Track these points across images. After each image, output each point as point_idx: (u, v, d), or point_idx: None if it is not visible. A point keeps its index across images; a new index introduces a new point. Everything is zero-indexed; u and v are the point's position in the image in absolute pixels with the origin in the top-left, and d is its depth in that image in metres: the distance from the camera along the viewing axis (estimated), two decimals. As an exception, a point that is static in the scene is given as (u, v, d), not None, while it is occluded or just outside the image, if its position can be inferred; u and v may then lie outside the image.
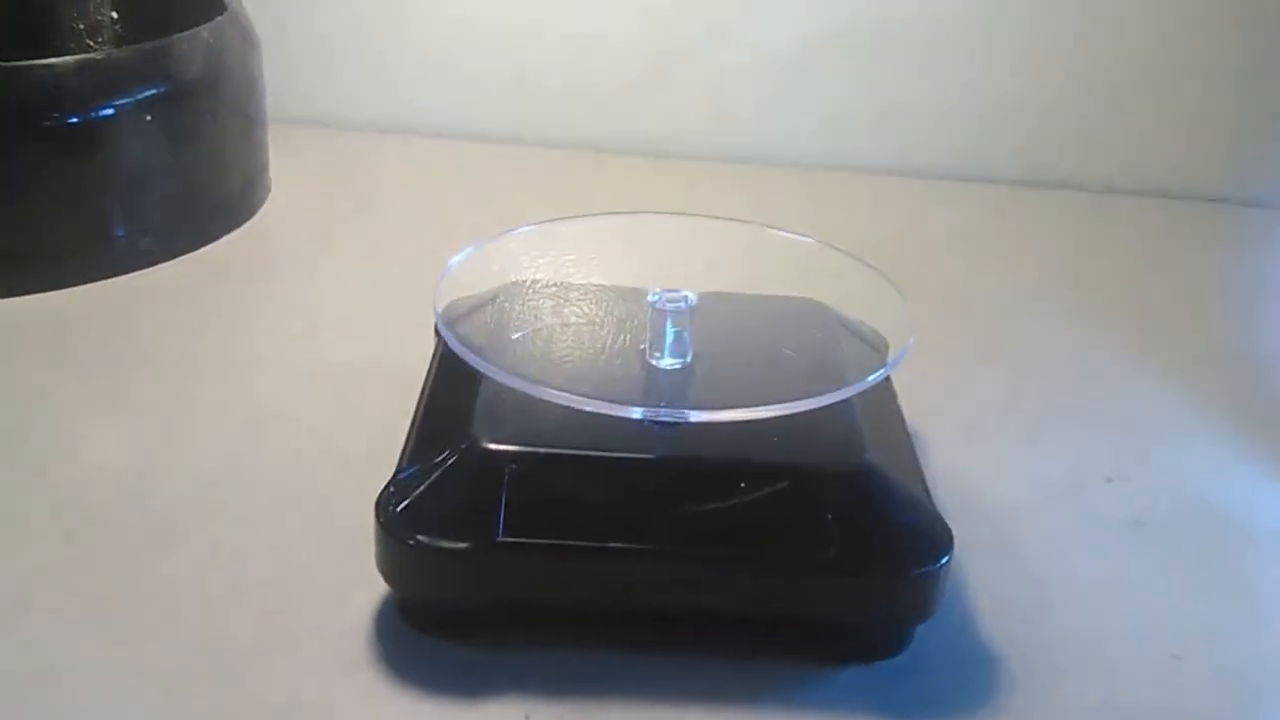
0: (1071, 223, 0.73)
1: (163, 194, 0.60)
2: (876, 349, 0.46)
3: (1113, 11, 0.73)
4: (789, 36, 0.74)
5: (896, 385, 0.45)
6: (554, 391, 0.38)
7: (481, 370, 0.40)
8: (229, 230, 0.63)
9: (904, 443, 0.42)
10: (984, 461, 0.49)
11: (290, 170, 0.69)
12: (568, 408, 0.39)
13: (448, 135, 0.76)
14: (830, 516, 0.38)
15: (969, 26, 0.73)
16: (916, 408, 0.45)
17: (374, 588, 0.40)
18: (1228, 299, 0.66)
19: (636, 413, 0.39)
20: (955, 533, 0.38)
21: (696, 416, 0.39)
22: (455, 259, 0.44)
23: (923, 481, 0.41)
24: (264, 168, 0.67)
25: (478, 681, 0.37)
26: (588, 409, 0.38)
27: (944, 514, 0.39)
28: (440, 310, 0.42)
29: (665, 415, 0.39)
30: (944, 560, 0.38)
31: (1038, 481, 0.49)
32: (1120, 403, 0.55)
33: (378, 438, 0.47)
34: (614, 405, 0.38)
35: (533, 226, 0.46)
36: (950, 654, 0.40)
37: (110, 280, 0.58)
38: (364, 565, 0.39)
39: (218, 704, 0.36)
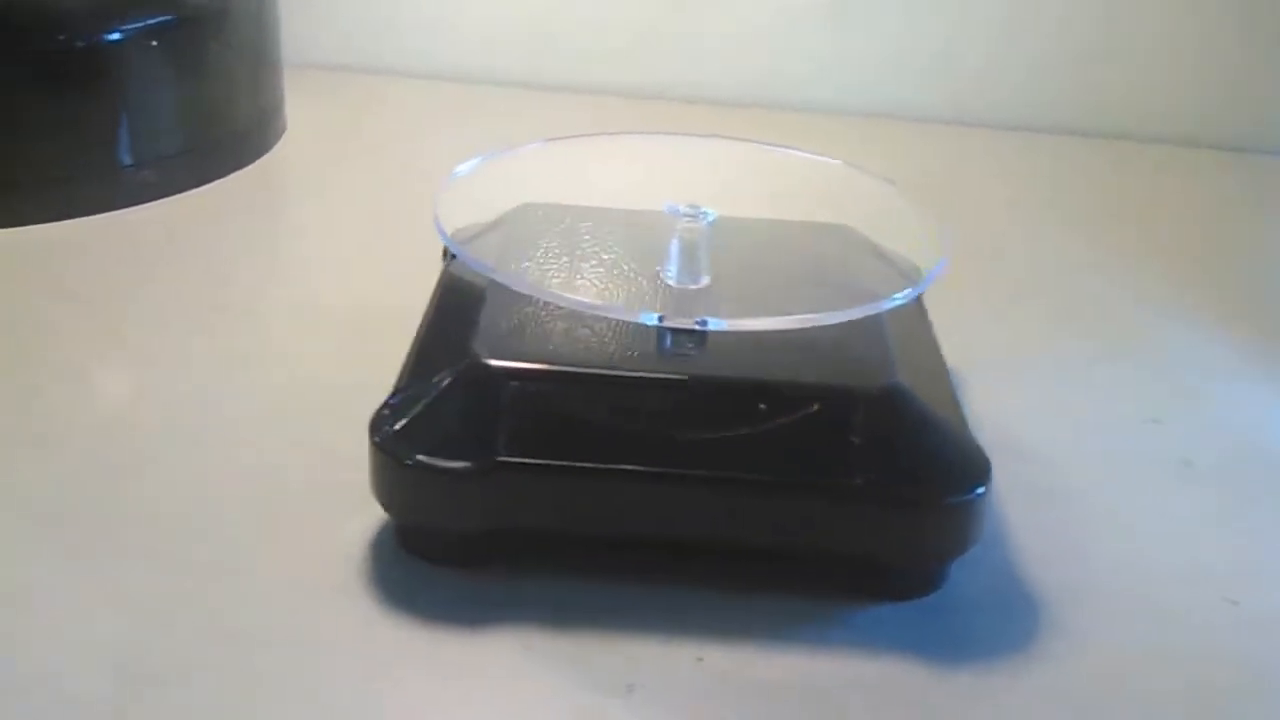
0: (1111, 171, 0.70)
1: (168, 125, 0.58)
2: (908, 276, 0.43)
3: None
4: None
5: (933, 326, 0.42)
6: (563, 295, 0.36)
7: (485, 275, 0.37)
8: (238, 168, 0.61)
9: (938, 371, 0.40)
10: (1024, 403, 0.46)
11: (307, 113, 0.67)
12: (574, 327, 0.37)
13: (467, 80, 0.73)
14: (856, 440, 0.35)
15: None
16: (953, 349, 0.42)
17: (369, 516, 0.37)
18: (1265, 247, 0.63)
19: (651, 319, 0.36)
20: (997, 471, 0.35)
21: (715, 325, 0.36)
22: (462, 168, 0.42)
23: (958, 410, 0.38)
24: (277, 108, 0.65)
25: (477, 610, 0.35)
26: (603, 315, 0.35)
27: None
28: (440, 221, 0.40)
29: (680, 322, 0.36)
30: (979, 490, 0.35)
31: (1080, 422, 0.46)
32: (1161, 346, 0.52)
33: (377, 371, 0.45)
34: (626, 312, 0.36)
35: (542, 143, 0.44)
36: (987, 595, 0.37)
37: (114, 212, 0.56)
38: (358, 493, 0.37)
39: (199, 627, 0.34)
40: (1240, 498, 0.42)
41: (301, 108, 0.66)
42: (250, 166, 0.62)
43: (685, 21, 0.72)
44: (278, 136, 0.64)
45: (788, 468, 0.35)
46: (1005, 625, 0.36)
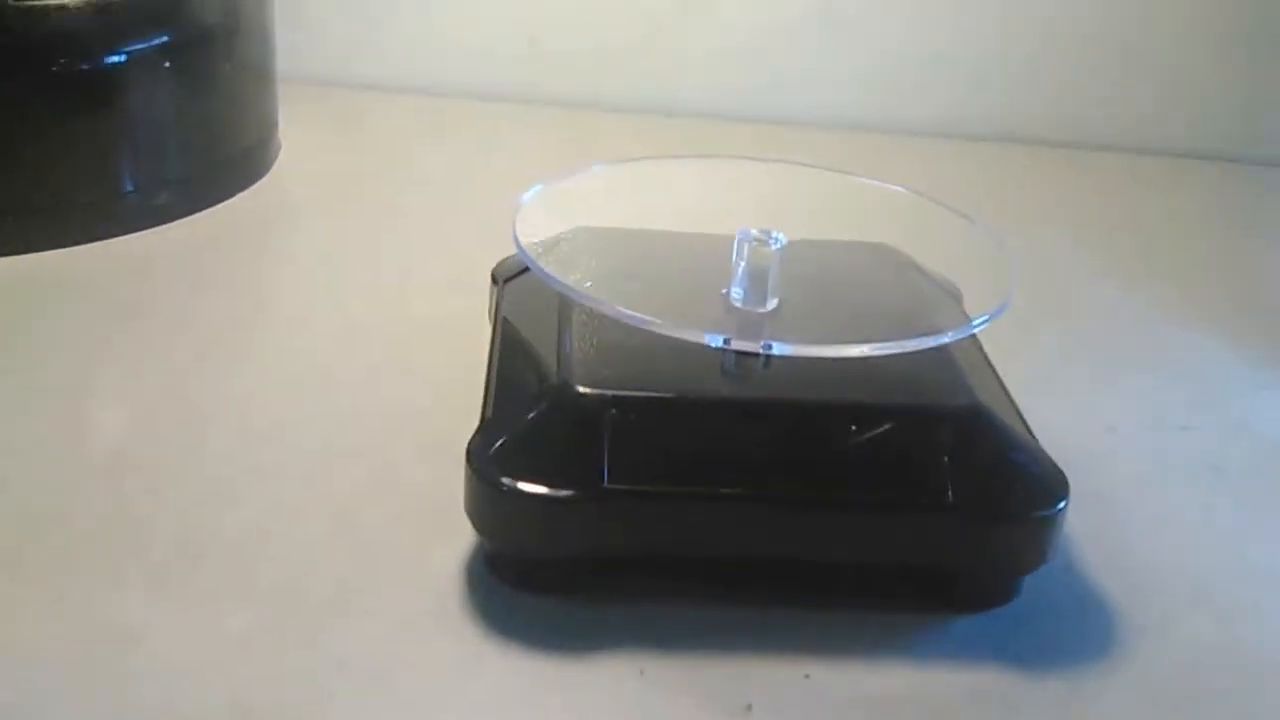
0: (1105, 182, 0.72)
1: (179, 147, 0.57)
2: (951, 294, 0.45)
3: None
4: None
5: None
6: (667, 325, 0.36)
7: (570, 297, 0.38)
8: (244, 187, 0.60)
9: (1001, 390, 0.41)
10: (1058, 411, 0.47)
11: (300, 128, 0.66)
12: (651, 352, 0.37)
13: (458, 95, 0.73)
14: (947, 459, 0.36)
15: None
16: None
17: (456, 543, 0.38)
18: (1267, 255, 0.66)
19: (757, 346, 0.37)
20: None
21: (818, 351, 0.37)
22: (527, 195, 0.42)
23: (1026, 426, 0.39)
24: (276, 124, 0.64)
25: (584, 637, 0.35)
26: (709, 344, 0.36)
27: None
28: (522, 245, 0.40)
29: (784, 349, 0.37)
30: (1062, 504, 0.36)
31: (1114, 429, 0.48)
32: (1181, 354, 0.54)
33: (424, 389, 0.45)
34: (739, 340, 0.36)
35: (602, 166, 0.44)
36: (1062, 600, 0.38)
37: (123, 237, 0.55)
38: (439, 520, 0.37)
39: (302, 666, 0.34)
40: (1271, 498, 0.45)
41: (293, 125, 0.66)
42: (254, 186, 0.61)
43: (675, 35, 0.73)
44: (277, 152, 0.64)
45: (884, 487, 0.36)
46: (1086, 629, 0.37)
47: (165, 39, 0.55)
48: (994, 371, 0.42)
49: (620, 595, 0.37)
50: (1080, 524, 0.41)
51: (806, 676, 0.35)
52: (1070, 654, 0.36)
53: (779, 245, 0.40)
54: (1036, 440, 0.39)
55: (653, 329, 0.36)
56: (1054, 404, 0.48)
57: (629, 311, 0.37)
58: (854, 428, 0.36)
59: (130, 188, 0.56)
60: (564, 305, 0.40)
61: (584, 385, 0.36)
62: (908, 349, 0.37)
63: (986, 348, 0.43)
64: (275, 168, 0.63)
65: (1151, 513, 0.43)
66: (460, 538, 0.38)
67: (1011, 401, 0.40)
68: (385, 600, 0.36)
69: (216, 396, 0.45)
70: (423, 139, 0.69)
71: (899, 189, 0.45)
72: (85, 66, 0.53)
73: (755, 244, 0.40)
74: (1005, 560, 0.37)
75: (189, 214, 0.57)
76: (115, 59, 0.54)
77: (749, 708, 0.33)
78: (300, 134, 0.66)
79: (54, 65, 0.52)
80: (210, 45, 0.57)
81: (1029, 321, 0.55)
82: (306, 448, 0.42)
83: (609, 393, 0.36)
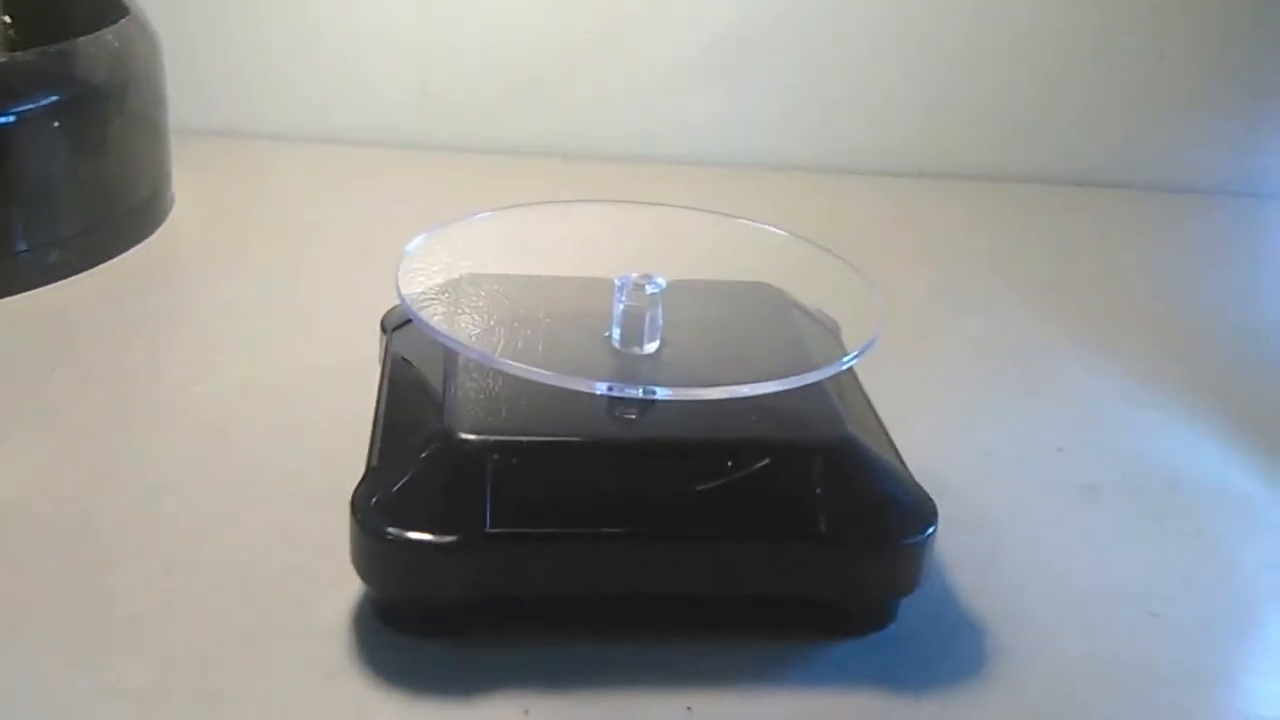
0: (1001, 213, 0.75)
1: (70, 205, 0.57)
2: (829, 329, 0.46)
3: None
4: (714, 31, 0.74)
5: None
6: (546, 374, 0.37)
7: (450, 348, 0.39)
8: (136, 242, 0.60)
9: (874, 421, 0.42)
10: (935, 438, 0.50)
11: (192, 180, 0.66)
12: (536, 396, 0.38)
13: (350, 143, 0.74)
14: (819, 491, 0.37)
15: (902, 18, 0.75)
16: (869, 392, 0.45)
17: (344, 593, 0.38)
18: (1161, 279, 0.68)
19: (637, 391, 0.38)
20: None
21: (697, 394, 0.38)
22: (411, 245, 0.43)
23: (898, 456, 0.41)
24: (168, 177, 0.64)
25: (470, 679, 0.36)
26: (593, 391, 0.37)
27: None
28: (404, 295, 0.41)
29: (665, 394, 0.38)
30: (930, 530, 0.38)
31: (990, 455, 0.49)
32: (1059, 380, 0.56)
33: (321, 441, 0.46)
34: (619, 385, 0.37)
35: (487, 214, 0.45)
36: (937, 624, 0.40)
37: (16, 297, 0.55)
38: (330, 570, 0.37)
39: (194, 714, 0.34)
40: (1144, 516, 0.46)
41: (186, 177, 0.66)
42: (145, 242, 0.61)
43: (569, 79, 0.74)
44: (170, 206, 0.64)
45: (758, 521, 0.37)
46: (957, 651, 0.39)
47: (54, 98, 0.55)
48: (868, 402, 0.43)
49: (506, 637, 0.37)
50: (955, 548, 0.43)
51: (689, 709, 0.36)
52: (945, 676, 0.38)
53: (658, 289, 0.41)
54: (907, 469, 0.40)
55: (536, 379, 0.37)
56: (931, 434, 0.50)
57: (511, 362, 0.38)
58: (729, 464, 0.37)
59: (22, 247, 0.56)
60: (449, 353, 0.41)
61: (466, 432, 0.37)
62: (780, 389, 0.38)
63: (868, 380, 0.45)
64: (169, 221, 0.63)
65: (1025, 536, 0.45)
66: (350, 588, 0.38)
67: (884, 431, 0.42)
68: (274, 654, 0.37)
69: (107, 455, 0.45)
70: (317, 188, 0.70)
71: (776, 230, 0.46)
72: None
73: (634, 289, 0.41)
74: (878, 587, 0.38)
75: (83, 270, 0.57)
76: (3, 120, 0.54)
77: (631, 742, 0.34)
78: (193, 185, 0.66)
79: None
80: (100, 103, 0.57)
81: (913, 355, 0.57)
82: (199, 504, 0.43)
83: (491, 438, 0.37)
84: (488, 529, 0.36)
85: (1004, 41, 0.76)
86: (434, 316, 0.42)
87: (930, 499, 0.39)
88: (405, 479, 0.37)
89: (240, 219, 0.65)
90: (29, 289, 0.56)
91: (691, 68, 0.75)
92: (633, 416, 0.39)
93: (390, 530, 0.36)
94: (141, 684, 0.35)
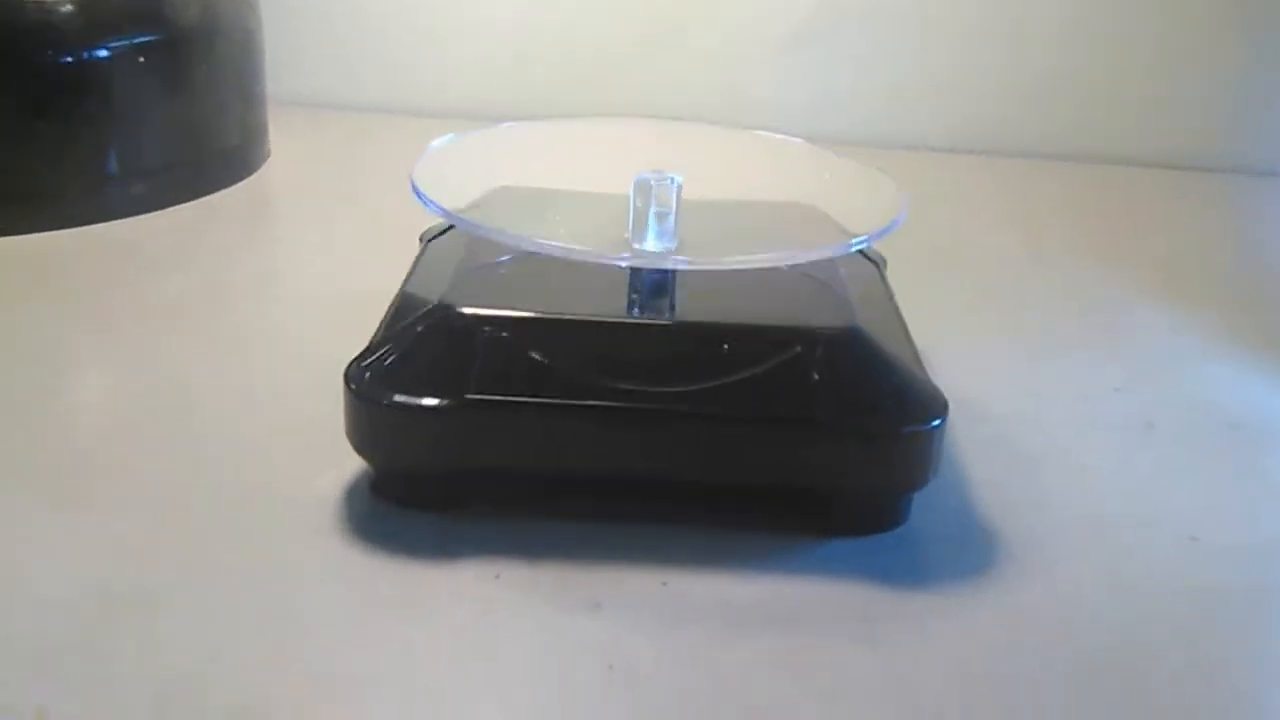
0: (1070, 191, 0.73)
1: (156, 140, 0.59)
2: (872, 259, 0.45)
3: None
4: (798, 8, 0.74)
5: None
6: (534, 240, 0.37)
7: (458, 225, 0.39)
8: (224, 186, 0.63)
9: (895, 322, 0.41)
10: (990, 380, 0.47)
11: (291, 141, 0.69)
12: (539, 279, 0.38)
13: (447, 115, 0.76)
14: (818, 377, 0.36)
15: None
16: (925, 339, 0.42)
17: (346, 468, 0.38)
18: (1226, 251, 0.65)
19: (623, 261, 0.37)
20: (957, 432, 0.36)
21: (682, 264, 0.37)
22: (436, 143, 0.43)
23: (916, 356, 0.39)
24: (262, 131, 0.67)
25: (449, 546, 0.36)
26: (574, 258, 0.37)
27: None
28: (416, 180, 0.41)
29: (651, 262, 0.37)
30: (936, 423, 0.36)
31: (1044, 393, 0.47)
32: (1129, 332, 0.53)
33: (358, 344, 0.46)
34: (600, 255, 0.37)
35: (515, 124, 0.45)
36: (947, 533, 0.38)
37: (103, 224, 0.57)
38: (336, 451, 0.38)
39: (182, 563, 0.35)
40: (1198, 452, 0.43)
41: (284, 139, 0.68)
42: (236, 186, 0.63)
43: (651, 50, 0.75)
44: (262, 161, 0.66)
45: (752, 405, 0.36)
46: (962, 557, 0.37)
47: (143, 38, 0.58)
48: (897, 312, 0.41)
49: (490, 511, 0.37)
50: (988, 470, 0.41)
51: (664, 584, 0.34)
52: (942, 578, 0.36)
53: (675, 185, 0.41)
54: (924, 370, 0.38)
55: (550, 253, 0.37)
56: (987, 376, 0.48)
57: (526, 236, 0.37)
58: (724, 346, 0.36)
59: (114, 177, 0.58)
60: (469, 252, 0.41)
61: (462, 306, 0.37)
62: (786, 262, 0.37)
63: (931, 334, 0.43)
64: (261, 171, 0.65)
65: (1071, 465, 0.42)
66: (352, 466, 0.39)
67: (908, 337, 0.40)
68: (263, 513, 0.37)
69: (149, 361, 0.47)
70: (410, 155, 0.71)
71: (798, 141, 0.45)
72: (68, 60, 0.56)
73: (649, 186, 0.41)
74: (877, 479, 0.37)
75: (166, 206, 0.60)
76: (99, 52, 0.57)
77: (597, 606, 0.33)
78: (291, 146, 0.68)
79: (38, 59, 0.55)
80: (187, 46, 0.60)
81: (976, 310, 0.55)
82: (222, 395, 0.44)
83: (483, 311, 0.37)
84: (469, 395, 0.35)
85: (1122, 31, 0.73)
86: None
87: (940, 394, 0.37)
88: (400, 350, 0.37)
89: (332, 179, 0.67)
90: (118, 217, 0.58)
91: (773, 39, 0.74)
92: (630, 299, 0.38)
93: (374, 395, 0.36)
94: (124, 532, 0.36)
